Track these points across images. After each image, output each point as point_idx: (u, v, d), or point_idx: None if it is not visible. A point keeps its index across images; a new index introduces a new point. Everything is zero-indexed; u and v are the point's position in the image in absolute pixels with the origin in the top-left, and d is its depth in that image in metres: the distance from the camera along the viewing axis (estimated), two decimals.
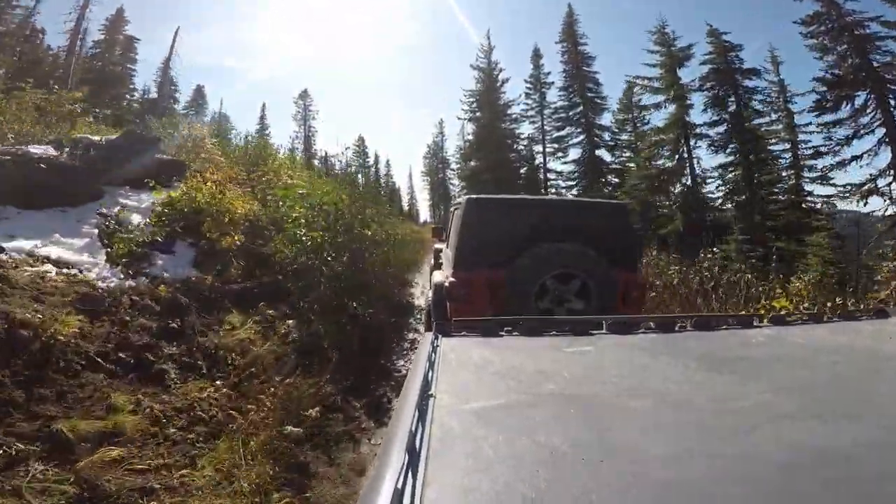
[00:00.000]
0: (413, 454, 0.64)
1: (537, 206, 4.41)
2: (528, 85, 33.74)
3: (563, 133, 30.92)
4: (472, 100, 35.67)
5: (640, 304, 3.89)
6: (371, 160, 76.00)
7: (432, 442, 0.71)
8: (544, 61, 32.69)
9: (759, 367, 1.18)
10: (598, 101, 29.94)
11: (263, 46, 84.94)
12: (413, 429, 0.69)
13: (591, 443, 0.73)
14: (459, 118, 34.64)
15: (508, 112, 34.37)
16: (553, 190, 30.92)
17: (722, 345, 1.43)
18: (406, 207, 79.80)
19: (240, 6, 79.01)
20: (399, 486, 0.55)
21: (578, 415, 0.84)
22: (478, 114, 34.69)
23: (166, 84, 28.08)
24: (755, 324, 1.62)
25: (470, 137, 35.56)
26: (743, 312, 4.25)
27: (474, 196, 4.06)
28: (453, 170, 71.60)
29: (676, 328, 1.55)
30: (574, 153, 31.24)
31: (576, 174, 30.10)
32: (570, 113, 30.49)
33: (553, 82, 32.00)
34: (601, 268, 3.45)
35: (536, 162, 33.06)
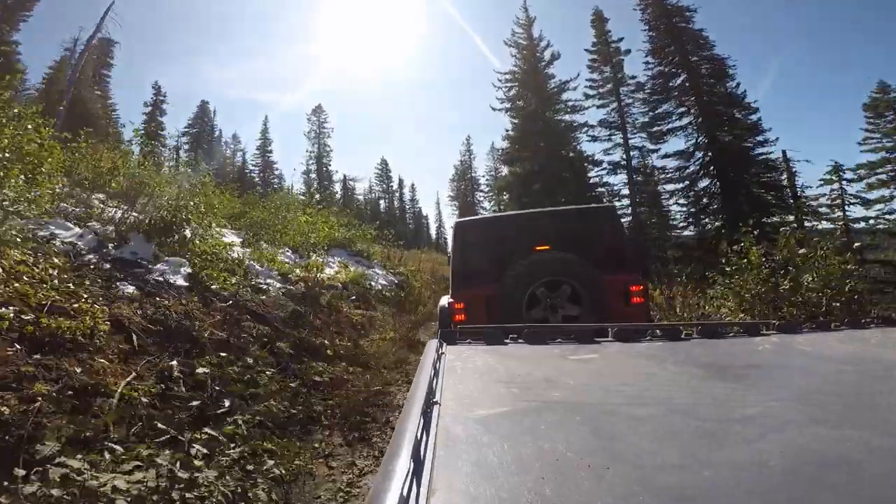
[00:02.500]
0: (418, 461, 0.68)
1: (520, 219, 5.01)
2: (593, 57, 25.54)
3: (659, 111, 22.07)
4: (508, 85, 27.13)
5: (645, 306, 4.14)
6: (395, 185, 67.05)
7: (437, 449, 0.74)
8: (610, 26, 24.59)
9: (765, 375, 1.20)
10: (716, 61, 20.85)
11: (283, 75, 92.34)
12: (418, 436, 0.73)
13: (596, 450, 0.75)
14: (494, 108, 26.94)
15: (562, 98, 25.72)
16: (641, 209, 23.19)
17: (728, 352, 1.42)
18: (434, 236, 74.16)
19: (255, 40, 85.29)
20: (404, 493, 0.57)
21: (584, 422, 0.87)
22: (519, 102, 26.34)
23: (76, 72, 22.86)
24: (762, 332, 1.64)
25: (510, 132, 26.87)
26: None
27: (459, 220, 4.82)
28: (483, 192, 62.29)
29: (682, 336, 1.58)
30: (675, 143, 22.10)
31: (688, 171, 21.12)
32: (671, 83, 21.72)
33: (630, 50, 24.07)
34: (587, 272, 3.72)
35: (615, 157, 24.08)
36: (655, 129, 21.13)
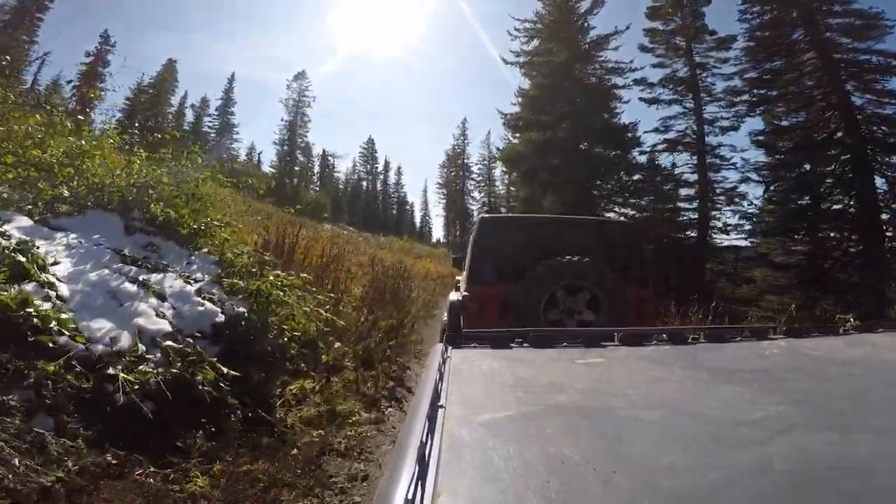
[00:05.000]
0: (423, 464, 0.69)
1: (547, 223, 5.49)
2: (656, 4, 18.21)
3: (762, 69, 14.77)
4: (527, 35, 19.65)
5: (655, 321, 4.73)
6: (381, 166, 61.38)
7: (442, 452, 0.76)
8: None
9: (773, 379, 1.19)
10: (859, 15, 13.17)
11: (268, 53, 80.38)
12: (423, 439, 0.76)
13: (602, 453, 0.78)
14: (507, 62, 20.39)
15: (599, 56, 18.78)
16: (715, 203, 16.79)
17: (735, 356, 1.42)
18: (418, 224, 70.28)
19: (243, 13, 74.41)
20: (409, 496, 0.59)
21: (590, 426, 0.91)
22: (538, 58, 18.80)
23: None
24: (769, 336, 1.64)
25: (528, 90, 19.48)
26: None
27: (486, 215, 5.27)
28: (475, 180, 55.38)
29: (689, 340, 1.59)
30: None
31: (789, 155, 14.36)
32: (792, 35, 14.21)
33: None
34: (609, 280, 4.09)
35: (680, 128, 16.96)
36: (752, 95, 14.32)
